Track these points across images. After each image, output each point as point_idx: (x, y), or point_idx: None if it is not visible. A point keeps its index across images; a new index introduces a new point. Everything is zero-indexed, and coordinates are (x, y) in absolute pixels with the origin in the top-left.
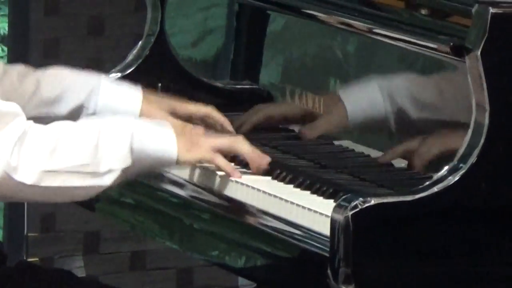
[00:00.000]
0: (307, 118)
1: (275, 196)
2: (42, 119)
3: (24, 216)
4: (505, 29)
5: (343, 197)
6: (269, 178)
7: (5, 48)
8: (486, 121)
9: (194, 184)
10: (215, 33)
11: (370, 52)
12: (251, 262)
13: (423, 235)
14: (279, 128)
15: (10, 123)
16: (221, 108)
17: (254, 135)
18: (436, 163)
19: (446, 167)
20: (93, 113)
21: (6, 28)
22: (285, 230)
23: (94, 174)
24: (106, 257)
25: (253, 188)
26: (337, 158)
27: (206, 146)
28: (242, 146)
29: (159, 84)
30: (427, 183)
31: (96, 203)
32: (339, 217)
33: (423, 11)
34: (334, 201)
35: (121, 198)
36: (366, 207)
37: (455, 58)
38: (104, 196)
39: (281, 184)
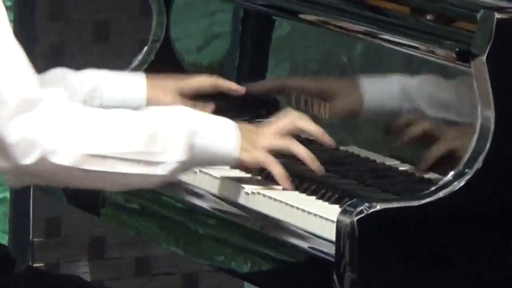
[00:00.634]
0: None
1: (281, 202)
2: None
3: (29, 221)
4: (511, 34)
5: (349, 202)
6: (274, 183)
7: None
8: (492, 126)
9: (200, 189)
10: (221, 38)
11: (375, 57)
12: (257, 268)
13: (429, 240)
14: None
15: (44, 106)
16: (227, 113)
17: None
18: (441, 168)
19: (451, 172)
20: (99, 106)
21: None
22: (291, 236)
23: (148, 163)
24: (111, 262)
25: (258, 193)
26: (342, 163)
27: (263, 147)
28: (298, 148)
29: None
30: (433, 188)
31: (101, 208)
32: (345, 222)
33: (429, 17)
34: (340, 207)
35: (127, 204)
36: (372, 212)
37: (461, 63)
38: (109, 201)
39: (287, 189)
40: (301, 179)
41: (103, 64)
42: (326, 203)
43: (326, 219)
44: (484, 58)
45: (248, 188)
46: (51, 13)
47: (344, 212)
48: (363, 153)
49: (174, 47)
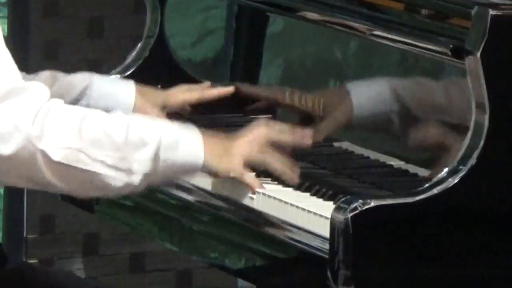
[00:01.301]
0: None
1: (275, 198)
2: None
3: (23, 218)
4: (505, 31)
5: (343, 199)
6: (268, 179)
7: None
8: (486, 122)
9: (194, 186)
10: (215, 34)
11: (369, 53)
12: (251, 264)
13: (423, 237)
14: None
15: (28, 94)
16: (220, 109)
17: None
18: (435, 165)
19: (445, 169)
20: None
21: (6, 30)
22: (285, 232)
23: (115, 168)
24: (106, 258)
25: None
26: (336, 160)
27: (237, 158)
28: (274, 163)
29: (159, 86)
30: (427, 185)
31: (95, 204)
32: (339, 219)
33: (423, 13)
34: (334, 203)
35: (121, 200)
36: (366, 209)
37: (455, 60)
38: (103, 198)
39: (281, 186)
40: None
41: (97, 60)
42: (320, 200)
43: (320, 215)
44: (479, 54)
45: (242, 185)
46: (45, 9)
47: (338, 208)
48: (357, 149)
49: (168, 43)
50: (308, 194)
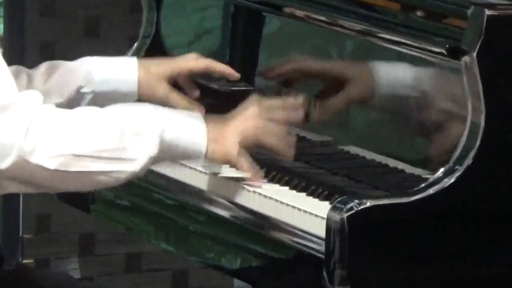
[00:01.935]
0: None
1: (271, 198)
2: None
3: (19, 217)
4: (501, 31)
5: (339, 199)
6: (264, 180)
7: (1, 50)
8: (482, 123)
9: (190, 186)
10: (211, 34)
11: (365, 54)
12: (247, 264)
13: (419, 237)
14: None
15: (18, 108)
16: (216, 110)
17: None
18: (431, 165)
19: (441, 169)
20: (92, 92)
21: (2, 30)
22: (281, 232)
23: (120, 160)
24: (102, 258)
25: (248, 190)
26: (332, 159)
27: (233, 142)
28: (268, 138)
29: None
30: (423, 185)
31: (91, 204)
32: (335, 219)
33: (419, 13)
34: (330, 203)
35: (117, 200)
36: (362, 209)
37: (451, 60)
38: (99, 198)
39: (277, 186)
40: (291, 176)
41: None
42: (316, 200)
43: (316, 215)
44: (475, 54)
45: (238, 184)
46: (42, 9)
47: (334, 208)
48: (354, 149)
49: (164, 43)
50: (304, 194)
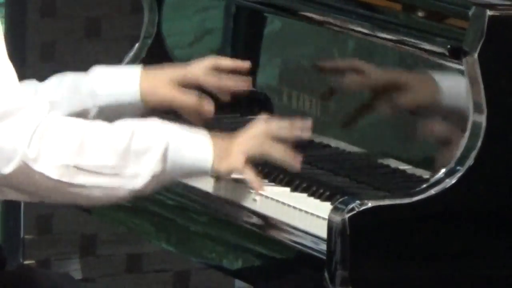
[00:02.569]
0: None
1: (272, 199)
2: None
3: (20, 218)
4: (502, 32)
5: (340, 199)
6: (266, 181)
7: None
8: (484, 123)
9: (191, 187)
10: (212, 35)
11: (366, 54)
12: (248, 265)
13: (420, 237)
14: None
15: (24, 114)
16: (218, 110)
17: None
18: (433, 165)
19: (443, 170)
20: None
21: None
22: (282, 233)
23: (122, 176)
24: (103, 259)
25: (250, 191)
26: (333, 160)
27: (238, 155)
28: (274, 153)
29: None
30: (424, 185)
31: None
32: (336, 220)
33: (421, 14)
34: (331, 204)
35: None
36: (363, 209)
37: (453, 60)
38: None
39: (278, 187)
40: (292, 177)
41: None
42: (318, 201)
43: (318, 216)
44: (476, 55)
45: (239, 186)
46: (43, 10)
47: (335, 209)
48: (355, 150)
49: (165, 44)
50: (305, 195)
